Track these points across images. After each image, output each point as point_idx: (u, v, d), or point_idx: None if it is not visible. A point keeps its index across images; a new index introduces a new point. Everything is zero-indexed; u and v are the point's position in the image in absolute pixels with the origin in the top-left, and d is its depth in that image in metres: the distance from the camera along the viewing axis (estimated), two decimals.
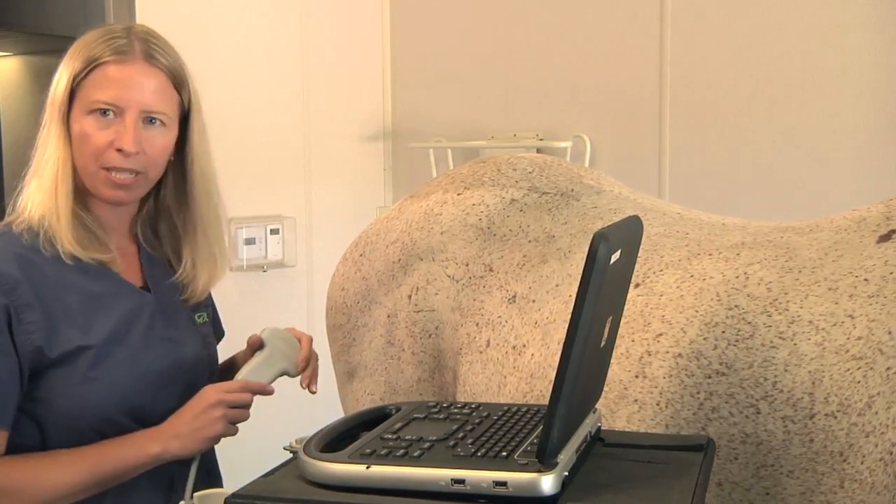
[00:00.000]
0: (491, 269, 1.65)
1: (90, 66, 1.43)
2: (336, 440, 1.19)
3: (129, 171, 1.43)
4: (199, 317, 1.58)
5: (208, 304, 1.63)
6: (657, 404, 1.36)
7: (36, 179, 1.44)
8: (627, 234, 1.17)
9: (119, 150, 1.41)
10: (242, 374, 1.49)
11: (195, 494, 1.23)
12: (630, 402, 1.39)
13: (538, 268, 1.61)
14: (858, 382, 1.22)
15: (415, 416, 1.23)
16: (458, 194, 1.77)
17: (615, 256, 1.05)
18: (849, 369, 1.23)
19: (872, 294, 1.27)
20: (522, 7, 3.24)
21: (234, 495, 1.06)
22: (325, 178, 3.44)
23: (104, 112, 1.42)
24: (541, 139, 3.19)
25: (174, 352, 1.49)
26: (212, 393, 1.41)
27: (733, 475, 1.30)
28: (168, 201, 1.55)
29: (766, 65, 2.77)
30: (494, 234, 1.69)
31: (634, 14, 2.99)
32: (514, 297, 1.60)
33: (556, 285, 1.56)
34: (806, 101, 2.71)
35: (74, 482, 1.36)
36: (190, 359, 1.52)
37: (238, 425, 1.46)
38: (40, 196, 1.42)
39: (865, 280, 1.29)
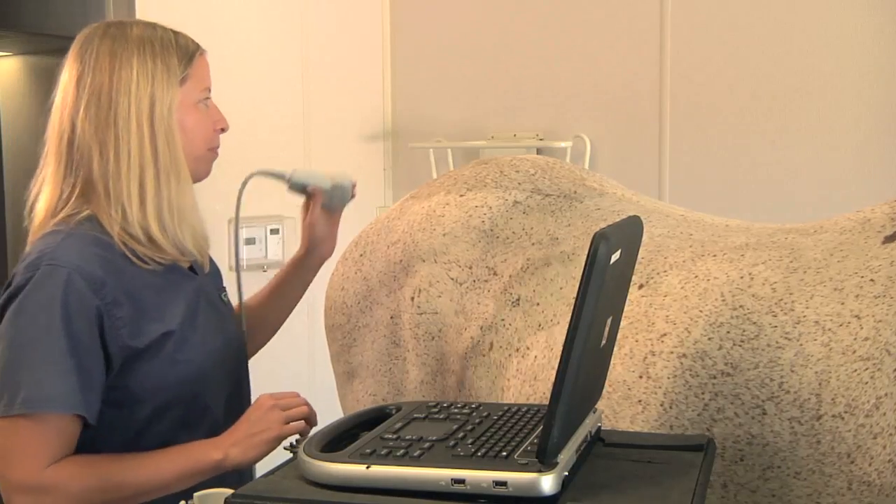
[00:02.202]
0: (495, 273, 1.64)
1: (187, 62, 1.52)
2: (336, 440, 1.19)
3: None
4: (223, 296, 1.65)
5: (222, 283, 1.70)
6: (661, 405, 1.35)
7: (146, 182, 1.46)
8: (628, 233, 1.17)
9: (223, 130, 1.58)
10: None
11: (195, 494, 1.23)
12: (634, 402, 1.38)
13: (542, 270, 1.60)
14: (866, 383, 1.21)
15: (415, 416, 1.23)
16: (461, 196, 1.77)
17: (615, 256, 1.05)
18: (856, 370, 1.23)
19: (879, 294, 1.26)
20: (522, 7, 3.24)
21: (234, 495, 1.06)
22: None
23: (205, 101, 1.55)
24: (541, 139, 3.19)
25: (223, 330, 1.58)
26: (265, 399, 1.46)
27: (739, 476, 1.29)
28: None
29: (766, 65, 2.77)
30: (497, 237, 1.68)
31: (634, 14, 2.99)
32: (518, 300, 1.59)
33: (560, 288, 1.56)
34: (806, 101, 2.71)
35: (140, 486, 1.40)
36: (233, 335, 1.61)
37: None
38: (163, 202, 1.47)
39: (871, 280, 1.28)
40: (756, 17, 2.78)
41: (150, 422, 1.46)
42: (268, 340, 1.81)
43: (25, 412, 1.34)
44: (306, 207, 1.73)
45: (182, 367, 1.46)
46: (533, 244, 1.65)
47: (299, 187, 1.71)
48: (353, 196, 1.74)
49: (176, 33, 1.54)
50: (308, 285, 1.80)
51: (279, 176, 1.70)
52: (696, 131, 2.90)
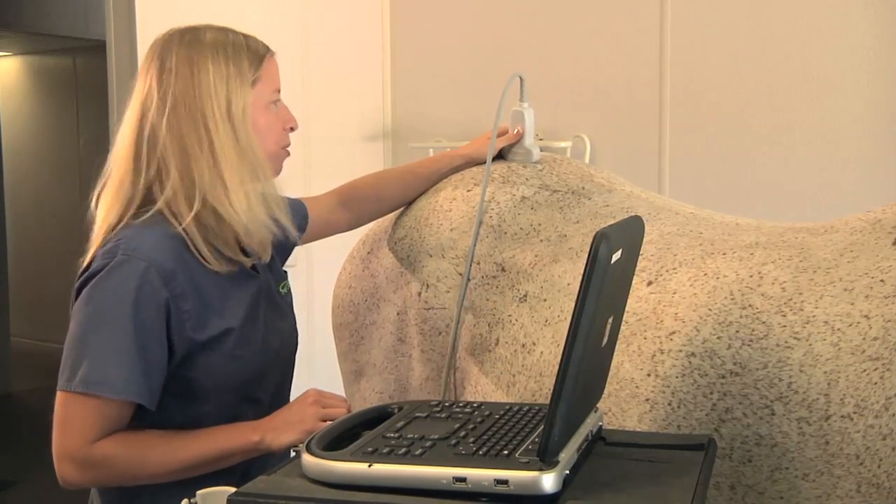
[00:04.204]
0: (503, 269, 1.64)
1: (259, 65, 1.58)
2: (338, 439, 1.19)
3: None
4: (282, 287, 1.70)
5: (284, 273, 1.75)
6: (669, 404, 1.35)
7: (242, 184, 1.53)
8: (629, 233, 1.17)
9: (292, 129, 1.65)
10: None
11: (198, 493, 1.23)
12: (641, 401, 1.37)
13: (550, 267, 1.60)
14: (875, 384, 1.20)
15: (417, 414, 1.24)
16: (468, 191, 1.76)
17: (616, 256, 1.05)
18: (865, 370, 1.22)
19: (888, 295, 1.25)
20: (522, 8, 3.24)
21: (236, 493, 1.06)
22: (325, 178, 3.43)
23: (275, 102, 1.61)
24: (541, 139, 3.19)
25: (279, 326, 1.64)
26: (311, 393, 1.54)
27: (747, 478, 1.28)
28: None
29: (766, 65, 2.77)
30: (505, 233, 1.68)
31: (634, 14, 3.00)
32: (525, 296, 1.59)
33: (568, 284, 1.55)
34: (806, 101, 2.72)
35: (180, 462, 1.47)
36: (288, 330, 1.68)
37: None
38: (248, 203, 1.53)
39: (881, 281, 1.27)
40: (756, 17, 2.79)
41: (207, 413, 1.53)
42: (365, 220, 1.90)
43: (83, 391, 1.42)
44: (504, 131, 1.86)
45: (240, 364, 1.53)
46: (541, 241, 1.65)
47: (518, 119, 1.85)
48: (532, 161, 1.86)
49: (246, 37, 1.61)
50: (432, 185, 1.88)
51: (522, 98, 1.86)
52: (696, 131, 2.91)
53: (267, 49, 1.62)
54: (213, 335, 1.50)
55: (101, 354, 1.43)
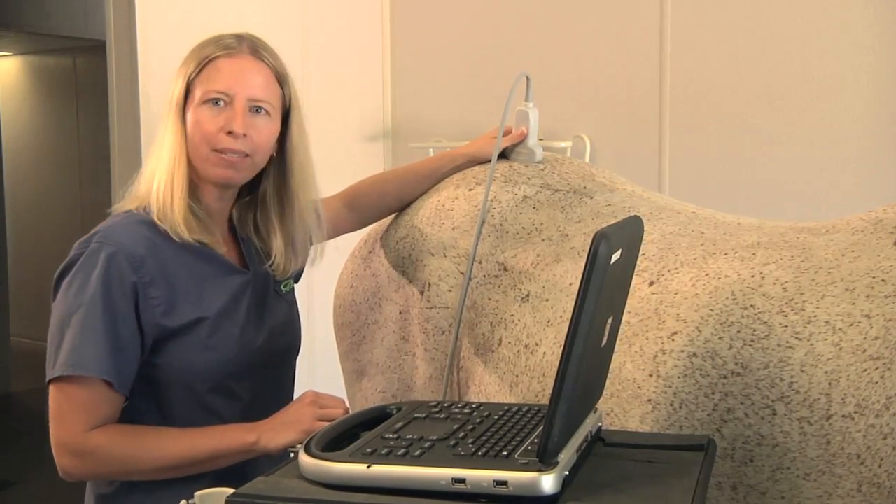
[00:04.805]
0: (505, 269, 1.64)
1: (203, 64, 1.57)
2: (337, 439, 1.19)
3: (237, 152, 1.56)
4: (284, 286, 1.71)
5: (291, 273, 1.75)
6: (671, 404, 1.35)
7: (153, 168, 1.57)
8: (629, 233, 1.17)
9: (229, 133, 1.55)
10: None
11: (196, 493, 1.23)
12: (644, 401, 1.37)
13: (552, 267, 1.60)
14: (876, 383, 1.21)
15: (415, 415, 1.24)
16: (470, 190, 1.76)
17: (616, 256, 1.05)
18: (866, 369, 1.22)
19: (889, 294, 1.25)
20: (522, 7, 3.24)
21: (234, 494, 1.06)
22: (325, 178, 3.43)
23: (216, 101, 1.56)
24: (540, 139, 3.18)
25: (268, 325, 1.65)
26: (309, 394, 1.54)
27: (748, 478, 1.28)
28: (268, 193, 1.67)
29: (766, 65, 2.77)
30: (507, 232, 1.68)
31: (634, 14, 2.99)
32: (528, 296, 1.59)
33: (570, 284, 1.55)
34: (806, 101, 2.71)
35: (173, 458, 1.49)
36: (280, 329, 1.68)
37: None
38: (157, 183, 1.55)
39: (883, 281, 1.27)
40: (756, 18, 2.79)
41: (179, 404, 1.55)
42: (369, 221, 1.91)
43: (62, 374, 1.45)
44: (508, 131, 1.86)
45: (213, 355, 1.55)
46: (543, 240, 1.65)
47: (523, 118, 1.85)
48: (535, 161, 1.85)
49: (221, 38, 1.60)
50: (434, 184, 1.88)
51: (527, 98, 1.87)
52: (696, 131, 2.91)
53: (226, 51, 1.58)
54: (185, 323, 1.53)
55: (76, 338, 1.46)
